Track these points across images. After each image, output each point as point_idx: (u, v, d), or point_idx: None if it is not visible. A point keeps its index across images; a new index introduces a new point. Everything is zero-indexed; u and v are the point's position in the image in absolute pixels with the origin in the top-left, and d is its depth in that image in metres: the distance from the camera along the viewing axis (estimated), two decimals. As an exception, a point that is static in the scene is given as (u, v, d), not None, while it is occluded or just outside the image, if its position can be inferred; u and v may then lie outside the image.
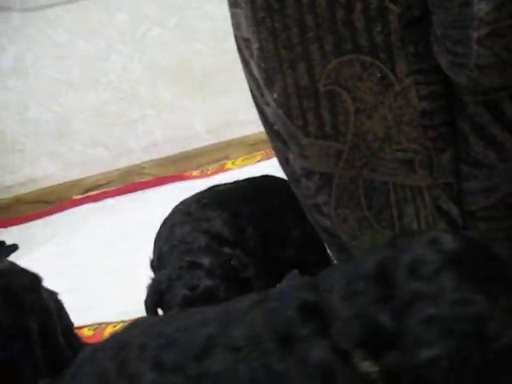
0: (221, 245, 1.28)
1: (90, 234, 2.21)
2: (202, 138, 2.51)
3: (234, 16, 1.03)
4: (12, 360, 1.12)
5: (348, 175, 0.98)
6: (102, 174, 2.59)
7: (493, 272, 0.69)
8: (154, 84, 2.49)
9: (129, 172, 2.57)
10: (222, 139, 2.50)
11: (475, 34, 0.81)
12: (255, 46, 0.95)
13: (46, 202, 2.60)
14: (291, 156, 1.02)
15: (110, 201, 2.42)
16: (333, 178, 0.99)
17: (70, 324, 1.31)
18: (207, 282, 1.21)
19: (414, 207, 0.98)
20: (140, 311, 1.45)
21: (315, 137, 0.97)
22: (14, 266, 1.26)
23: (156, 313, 1.29)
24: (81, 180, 2.61)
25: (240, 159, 2.42)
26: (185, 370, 0.78)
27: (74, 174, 2.61)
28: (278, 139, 1.03)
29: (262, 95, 1.00)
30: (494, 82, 0.89)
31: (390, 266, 0.71)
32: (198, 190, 1.49)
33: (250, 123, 2.37)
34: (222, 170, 2.38)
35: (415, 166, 0.96)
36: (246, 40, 0.99)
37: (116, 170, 2.58)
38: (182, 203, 1.43)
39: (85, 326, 1.62)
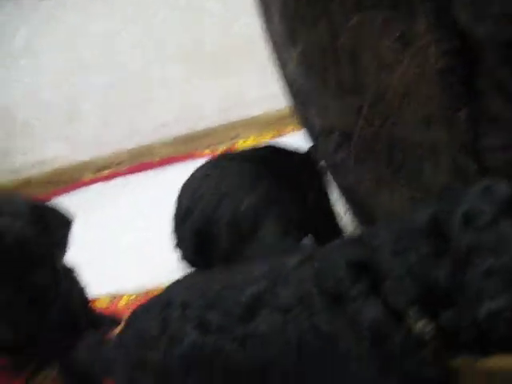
0: None
1: (103, 213, 2.21)
2: (212, 117, 2.51)
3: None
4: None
5: (367, 133, 0.99)
6: (112, 154, 2.59)
7: None
8: (163, 64, 2.49)
9: (139, 152, 2.57)
10: (233, 119, 2.50)
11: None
12: (278, 3, 0.96)
13: (57, 183, 2.60)
14: (311, 114, 1.03)
15: (121, 180, 2.43)
16: (352, 135, 1.00)
17: (86, 296, 1.32)
18: None
19: (432, 164, 0.99)
20: (155, 284, 1.48)
21: (335, 94, 0.98)
22: None
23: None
24: (91, 161, 2.61)
25: (251, 138, 2.43)
26: (230, 331, 0.76)
27: (85, 155, 2.61)
28: (298, 98, 1.04)
29: (284, 53, 1.01)
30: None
31: (443, 218, 0.68)
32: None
33: (261, 102, 2.39)
34: (233, 149, 2.39)
35: (433, 124, 0.96)
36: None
37: (126, 150, 2.59)
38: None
39: (100, 297, 1.63)
